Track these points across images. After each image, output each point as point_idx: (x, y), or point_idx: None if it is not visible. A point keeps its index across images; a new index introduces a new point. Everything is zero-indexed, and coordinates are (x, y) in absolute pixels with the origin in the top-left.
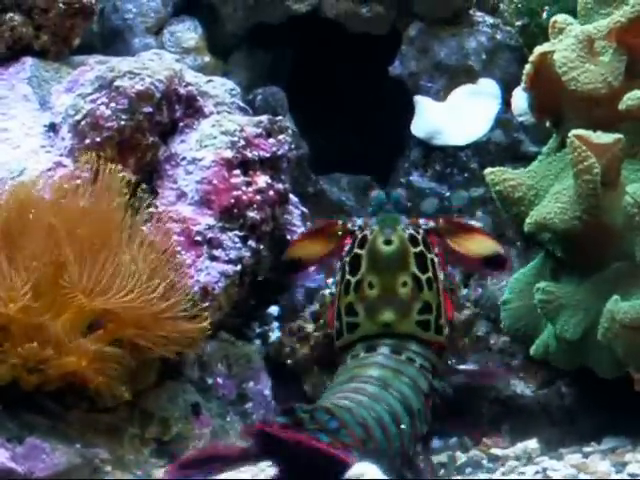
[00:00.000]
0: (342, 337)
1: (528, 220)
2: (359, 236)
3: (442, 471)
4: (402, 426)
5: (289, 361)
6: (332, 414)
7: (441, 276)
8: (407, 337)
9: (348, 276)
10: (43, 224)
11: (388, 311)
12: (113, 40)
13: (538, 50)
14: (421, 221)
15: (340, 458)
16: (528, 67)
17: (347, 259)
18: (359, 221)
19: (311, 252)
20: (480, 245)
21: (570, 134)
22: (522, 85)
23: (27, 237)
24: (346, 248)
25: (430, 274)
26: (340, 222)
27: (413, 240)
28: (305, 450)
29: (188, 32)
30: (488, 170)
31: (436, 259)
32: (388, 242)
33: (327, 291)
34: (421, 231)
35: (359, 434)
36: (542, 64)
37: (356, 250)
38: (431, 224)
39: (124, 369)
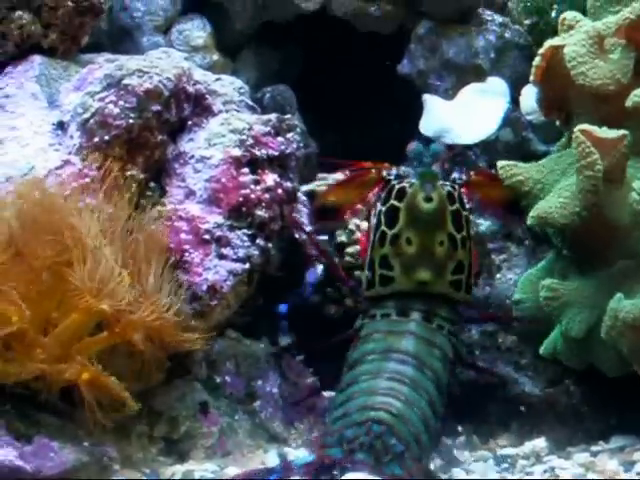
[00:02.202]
0: (373, 288)
1: (531, 214)
2: (396, 186)
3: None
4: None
5: None
6: (396, 434)
7: (472, 232)
8: (439, 298)
9: (384, 227)
10: (50, 222)
11: (425, 270)
12: (122, 38)
13: (548, 43)
14: (455, 175)
15: None
16: (537, 59)
17: (383, 209)
18: (394, 170)
19: (345, 199)
20: (505, 194)
21: (576, 129)
22: (531, 78)
23: (34, 235)
24: (381, 195)
25: (464, 232)
26: (374, 170)
27: (450, 197)
28: None
29: (197, 30)
30: (500, 163)
31: (469, 216)
32: (428, 199)
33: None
34: (456, 187)
35: (416, 453)
36: (552, 58)
37: (393, 202)
38: (464, 177)
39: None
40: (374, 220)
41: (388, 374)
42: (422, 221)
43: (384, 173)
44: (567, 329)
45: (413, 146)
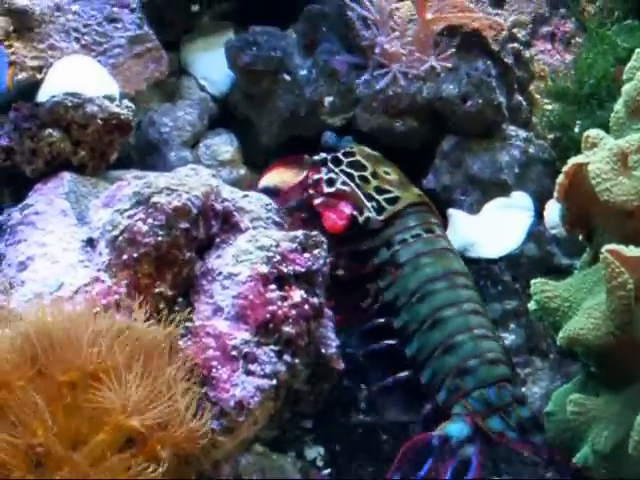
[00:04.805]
0: (385, 210)
1: (561, 334)
2: (340, 153)
3: None
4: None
5: None
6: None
7: None
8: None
9: (358, 173)
10: (79, 340)
11: (413, 187)
12: (149, 153)
13: (572, 161)
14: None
15: None
16: (561, 177)
17: (343, 167)
18: (322, 154)
19: (283, 180)
20: None
21: (603, 249)
22: (554, 195)
23: (57, 352)
24: (322, 174)
25: None
26: (306, 156)
27: None
28: None
29: (224, 145)
30: (534, 280)
31: None
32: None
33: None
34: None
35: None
36: (575, 175)
37: (349, 159)
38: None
39: None
40: (341, 179)
41: (468, 304)
42: (380, 159)
43: (315, 158)
44: (594, 444)
45: (328, 135)
